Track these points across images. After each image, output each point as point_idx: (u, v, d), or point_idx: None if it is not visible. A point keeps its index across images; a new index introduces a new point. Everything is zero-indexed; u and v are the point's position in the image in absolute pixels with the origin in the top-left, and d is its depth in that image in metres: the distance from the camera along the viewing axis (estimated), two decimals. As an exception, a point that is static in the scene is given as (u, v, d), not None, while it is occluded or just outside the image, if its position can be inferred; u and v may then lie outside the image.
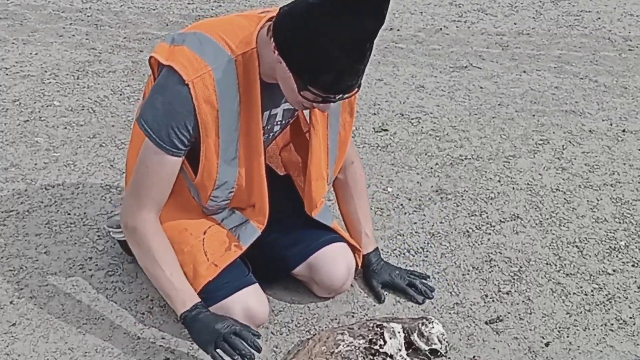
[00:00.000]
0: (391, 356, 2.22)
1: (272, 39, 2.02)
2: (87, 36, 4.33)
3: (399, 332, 2.28)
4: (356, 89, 2.04)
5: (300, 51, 1.97)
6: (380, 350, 2.21)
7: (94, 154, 3.23)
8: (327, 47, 1.93)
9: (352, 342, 2.22)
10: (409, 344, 2.30)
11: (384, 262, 2.61)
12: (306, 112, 2.38)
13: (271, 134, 2.37)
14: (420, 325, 2.32)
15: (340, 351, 2.19)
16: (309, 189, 2.40)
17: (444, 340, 2.32)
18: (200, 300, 2.22)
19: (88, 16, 4.60)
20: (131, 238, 2.25)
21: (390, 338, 2.24)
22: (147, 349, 2.32)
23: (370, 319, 2.37)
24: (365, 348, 2.21)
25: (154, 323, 2.41)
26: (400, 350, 2.24)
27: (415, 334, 2.31)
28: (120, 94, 3.72)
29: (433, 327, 2.32)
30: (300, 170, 2.56)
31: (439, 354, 2.32)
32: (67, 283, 2.55)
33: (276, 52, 2.01)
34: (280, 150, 2.62)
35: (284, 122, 2.38)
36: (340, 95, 2.03)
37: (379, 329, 2.26)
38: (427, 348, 2.30)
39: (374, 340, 2.23)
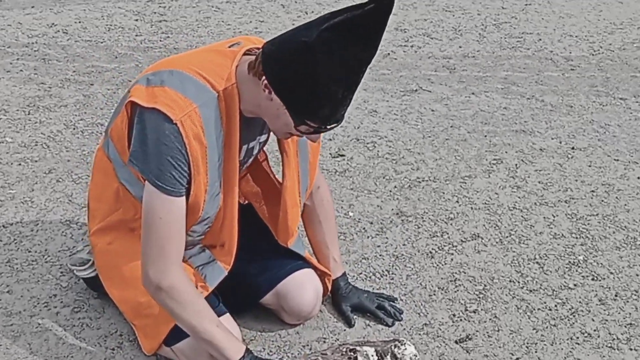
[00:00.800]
0: None
1: (263, 78, 2.02)
2: (35, 71, 4.28)
3: (372, 356, 2.29)
4: (344, 116, 2.08)
5: (297, 88, 1.98)
6: None
7: (51, 190, 3.19)
8: (324, 83, 1.95)
9: None
10: None
11: (352, 286, 2.62)
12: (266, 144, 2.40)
13: (244, 166, 2.38)
14: (392, 347, 2.33)
15: None
16: (285, 218, 2.40)
17: None
18: (247, 346, 2.21)
19: (35, 50, 4.55)
20: (168, 297, 2.16)
21: None
22: (120, 385, 2.30)
23: (343, 344, 2.37)
24: None
25: (125, 358, 2.38)
26: None
27: (388, 357, 2.32)
28: (74, 128, 3.69)
29: (406, 348, 2.34)
30: (262, 200, 2.57)
31: None
32: (33, 322, 2.50)
33: (267, 90, 2.02)
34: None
35: (256, 153, 2.39)
36: (334, 124, 2.05)
37: (352, 354, 2.27)
38: None
39: None
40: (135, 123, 2.13)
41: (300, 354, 2.42)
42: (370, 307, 2.59)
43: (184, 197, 2.14)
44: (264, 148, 2.50)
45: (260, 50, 2.06)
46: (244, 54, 2.12)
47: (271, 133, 2.35)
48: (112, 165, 2.31)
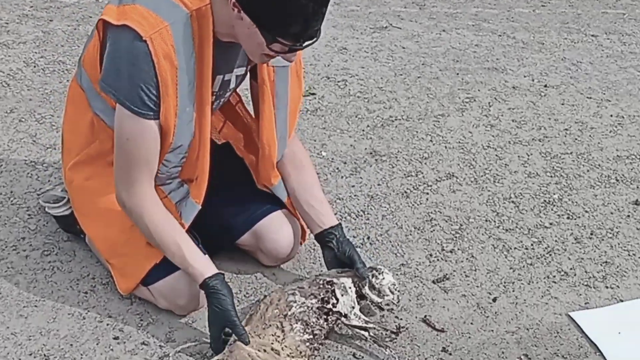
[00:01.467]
0: (345, 315, 2.21)
1: None
2: (-9, 6, 4.11)
3: (350, 288, 2.26)
4: (319, 33, 2.00)
5: (266, 4, 1.93)
6: (334, 309, 2.20)
7: (13, 130, 3.08)
8: None
9: (304, 303, 2.19)
10: (361, 296, 2.28)
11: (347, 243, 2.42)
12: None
13: (222, 100, 2.31)
14: (370, 277, 2.28)
15: (293, 313, 2.16)
16: (264, 155, 2.34)
17: (396, 290, 2.29)
18: (214, 272, 2.16)
19: (-10, -15, 4.37)
20: (135, 216, 2.18)
21: (342, 295, 2.22)
22: (95, 329, 2.24)
23: (319, 275, 2.33)
24: (318, 307, 2.19)
25: (98, 302, 2.33)
26: (353, 307, 2.23)
27: (366, 287, 2.27)
28: (35, 66, 3.56)
29: (384, 277, 2.28)
30: (244, 143, 2.50)
31: (392, 304, 2.28)
32: (2, 265, 2.43)
33: (236, 9, 1.95)
34: (220, 128, 2.55)
35: (233, 87, 2.32)
36: (308, 42, 1.98)
37: (329, 286, 2.24)
38: (379, 300, 2.28)
39: (326, 298, 2.21)
40: (107, 44, 2.07)
41: (277, 288, 2.38)
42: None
43: (154, 121, 2.08)
44: (237, 90, 2.43)
45: None
46: None
47: (249, 68, 2.28)
48: (86, 95, 2.25)
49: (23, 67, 3.55)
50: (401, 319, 2.35)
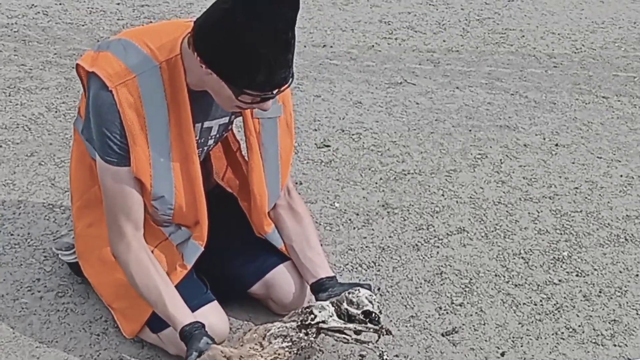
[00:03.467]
0: (324, 321, 2.20)
1: (195, 53, 2.00)
2: (15, 52, 4.21)
3: (327, 306, 2.24)
4: (291, 80, 2.04)
5: (227, 58, 1.97)
6: (312, 322, 2.20)
7: (33, 173, 3.14)
8: (252, 46, 1.94)
9: (283, 325, 2.20)
10: (344, 316, 2.25)
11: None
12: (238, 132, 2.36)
13: (205, 148, 2.34)
14: (347, 294, 2.27)
15: (272, 333, 2.17)
16: (255, 204, 2.37)
17: (374, 300, 2.27)
18: (193, 320, 2.18)
19: (14, 31, 4.48)
20: (123, 264, 2.22)
21: (320, 311, 2.22)
22: (105, 371, 2.27)
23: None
24: (297, 326, 2.20)
25: (110, 344, 2.36)
26: (332, 315, 2.22)
27: (344, 303, 2.26)
28: (56, 111, 3.63)
29: (359, 291, 2.28)
30: (242, 190, 2.54)
31: (373, 315, 2.25)
32: (16, 306, 2.47)
33: (203, 65, 2.00)
34: (224, 174, 2.59)
35: (218, 135, 2.35)
36: (277, 89, 2.02)
37: (307, 309, 2.24)
38: (359, 312, 2.26)
39: (304, 319, 2.21)
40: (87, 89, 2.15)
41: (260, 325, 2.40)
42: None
43: (125, 168, 2.13)
44: (236, 137, 2.48)
45: (193, 24, 2.04)
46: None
47: (233, 118, 2.33)
48: (83, 141, 2.31)
49: (45, 112, 3.63)
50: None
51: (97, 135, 2.11)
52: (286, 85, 2.04)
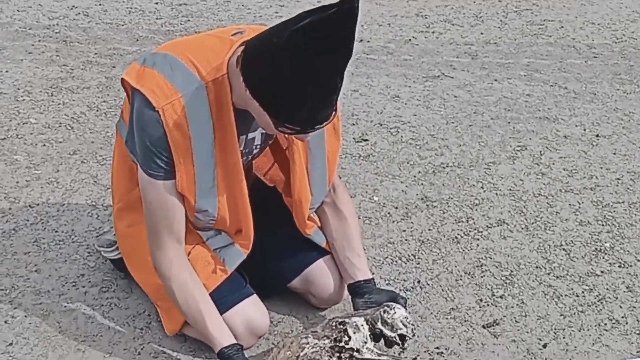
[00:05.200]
0: (357, 350, 2.19)
1: (242, 77, 1.98)
2: (57, 53, 4.28)
3: (362, 325, 2.24)
4: (333, 116, 2.01)
5: (272, 92, 1.93)
6: (346, 346, 2.19)
7: (76, 171, 3.19)
8: (297, 87, 1.90)
9: (316, 344, 2.19)
10: (379, 335, 2.26)
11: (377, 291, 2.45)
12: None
13: (250, 156, 2.34)
14: (382, 313, 2.26)
15: (305, 354, 2.16)
16: (296, 209, 2.38)
17: (409, 323, 2.26)
18: (232, 342, 2.19)
19: (56, 32, 4.55)
20: (163, 279, 2.24)
21: (354, 332, 2.21)
22: (149, 365, 2.30)
23: (332, 318, 2.32)
24: (330, 347, 2.19)
25: (153, 338, 2.39)
26: (366, 342, 2.21)
27: (379, 323, 2.26)
28: (97, 110, 3.69)
29: (395, 312, 2.25)
30: (286, 189, 2.55)
31: (407, 338, 2.25)
32: (61, 301, 2.51)
33: (247, 90, 1.97)
34: (267, 170, 2.59)
35: (262, 145, 2.35)
36: (317, 126, 1.99)
37: (341, 326, 2.22)
38: (393, 335, 2.25)
39: (338, 338, 2.20)
40: (131, 102, 2.15)
41: (292, 334, 2.41)
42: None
43: (169, 182, 2.13)
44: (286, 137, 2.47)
45: (244, 46, 2.01)
46: (241, 44, 2.06)
47: None
48: (124, 144, 2.31)
49: (86, 110, 3.68)
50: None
51: (140, 148, 2.11)
52: (327, 123, 2.01)
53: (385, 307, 2.26)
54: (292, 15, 1.92)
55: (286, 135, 2.20)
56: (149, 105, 2.05)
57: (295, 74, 1.88)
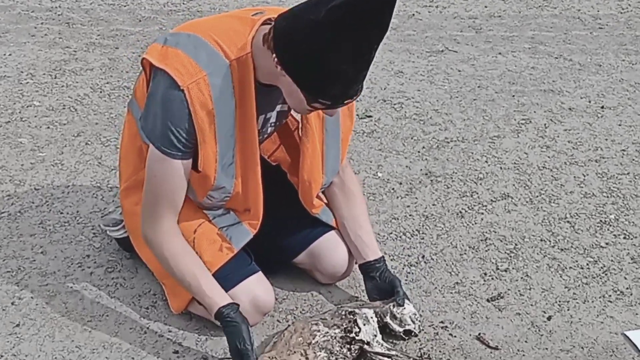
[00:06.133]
0: (368, 343, 2.22)
1: (274, 55, 1.99)
2: (60, 35, 4.27)
3: (371, 317, 2.27)
4: (361, 89, 2.04)
5: (306, 69, 1.96)
6: (357, 337, 2.22)
7: (80, 153, 3.20)
8: (333, 63, 1.93)
9: (327, 332, 2.21)
10: (383, 327, 2.31)
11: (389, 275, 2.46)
12: (297, 115, 2.37)
13: (265, 135, 2.36)
14: (391, 307, 2.33)
15: (317, 341, 2.19)
16: (304, 189, 2.39)
17: (417, 320, 2.33)
18: (229, 302, 2.20)
19: (59, 15, 4.54)
20: (156, 250, 2.25)
21: (364, 324, 2.24)
22: (155, 343, 2.32)
23: (342, 307, 2.35)
24: (341, 337, 2.21)
25: (159, 317, 2.41)
26: (375, 336, 2.25)
27: (387, 317, 2.32)
28: (101, 92, 3.69)
29: (405, 307, 2.33)
30: (292, 169, 2.55)
31: (412, 333, 2.33)
32: (67, 282, 2.53)
33: (279, 67, 1.99)
34: (273, 152, 2.59)
35: (277, 123, 2.36)
36: (348, 100, 2.03)
37: (351, 316, 2.26)
38: (400, 330, 2.31)
39: (349, 328, 2.23)
40: (151, 83, 2.15)
41: (300, 317, 2.42)
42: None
43: (181, 161, 2.15)
44: (295, 117, 2.48)
45: (273, 24, 2.02)
46: (263, 23, 2.09)
47: None
48: (136, 123, 2.32)
49: (90, 92, 3.68)
50: (455, 337, 2.37)
51: (160, 127, 2.10)
52: (356, 97, 2.05)
53: (395, 302, 2.32)
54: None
55: (299, 116, 2.21)
56: (173, 85, 2.06)
57: (333, 50, 1.91)
